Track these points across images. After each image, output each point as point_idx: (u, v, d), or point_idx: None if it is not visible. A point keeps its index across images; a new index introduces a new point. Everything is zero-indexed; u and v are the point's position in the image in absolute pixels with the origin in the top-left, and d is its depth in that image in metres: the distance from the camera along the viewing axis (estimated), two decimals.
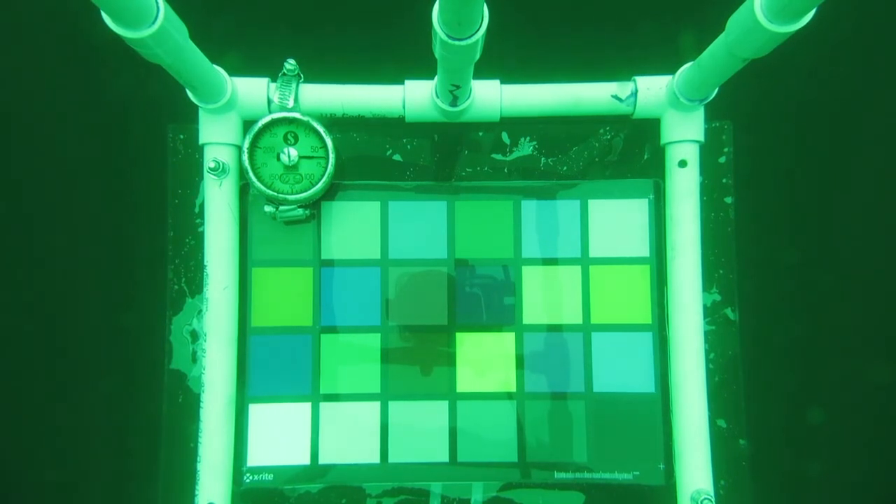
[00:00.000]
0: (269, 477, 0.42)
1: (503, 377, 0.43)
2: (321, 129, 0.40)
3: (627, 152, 0.44)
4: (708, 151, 0.43)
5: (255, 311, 0.43)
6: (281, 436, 0.42)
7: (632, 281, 0.43)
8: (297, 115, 0.40)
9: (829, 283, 0.44)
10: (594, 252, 0.43)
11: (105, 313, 0.44)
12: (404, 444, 0.42)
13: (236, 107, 0.40)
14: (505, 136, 0.44)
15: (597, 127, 0.44)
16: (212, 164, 0.39)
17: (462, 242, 0.43)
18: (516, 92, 0.41)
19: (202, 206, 0.42)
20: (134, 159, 0.44)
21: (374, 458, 0.42)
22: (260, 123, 0.39)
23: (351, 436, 0.42)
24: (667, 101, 0.40)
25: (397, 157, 0.44)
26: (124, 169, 0.44)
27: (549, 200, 0.44)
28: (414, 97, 0.40)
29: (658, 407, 0.43)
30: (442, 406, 0.43)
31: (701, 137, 0.41)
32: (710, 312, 0.43)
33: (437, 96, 0.39)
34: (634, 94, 0.40)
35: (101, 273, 0.44)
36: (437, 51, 0.29)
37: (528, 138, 0.44)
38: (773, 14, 0.27)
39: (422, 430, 0.42)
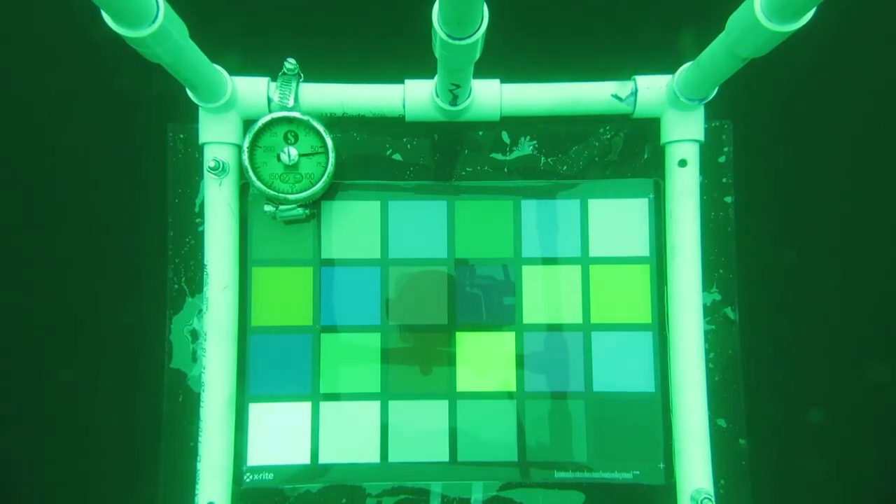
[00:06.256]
0: (269, 476, 0.42)
1: (503, 377, 0.43)
2: (321, 129, 0.40)
3: (627, 152, 0.44)
4: (708, 151, 0.43)
5: (255, 311, 0.43)
6: (281, 435, 0.42)
7: (632, 280, 0.43)
8: (297, 114, 0.40)
9: (829, 283, 0.44)
10: (594, 252, 0.43)
11: (105, 312, 0.44)
12: (404, 444, 0.42)
13: (236, 106, 0.40)
14: (505, 136, 0.44)
15: (597, 126, 0.44)
16: (212, 164, 0.39)
17: (462, 242, 0.43)
18: (516, 91, 0.41)
19: (202, 205, 0.42)
20: (134, 158, 0.44)
21: (374, 458, 0.42)
22: (260, 123, 0.39)
23: (351, 435, 0.42)
24: (667, 100, 0.40)
25: (397, 157, 0.44)
26: (124, 168, 0.44)
27: (549, 200, 0.44)
28: (414, 96, 0.40)
29: (658, 406, 0.43)
30: (442, 406, 0.43)
31: (701, 137, 0.41)
32: (710, 312, 0.43)
33: (437, 96, 0.39)
34: (634, 93, 0.40)
35: (100, 272, 0.44)
36: (437, 50, 0.29)
37: (528, 138, 0.44)
38: (773, 13, 0.27)
39: (422, 430, 0.42)
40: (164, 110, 0.43)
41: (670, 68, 0.39)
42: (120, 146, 0.44)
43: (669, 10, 0.44)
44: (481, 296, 0.43)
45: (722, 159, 0.44)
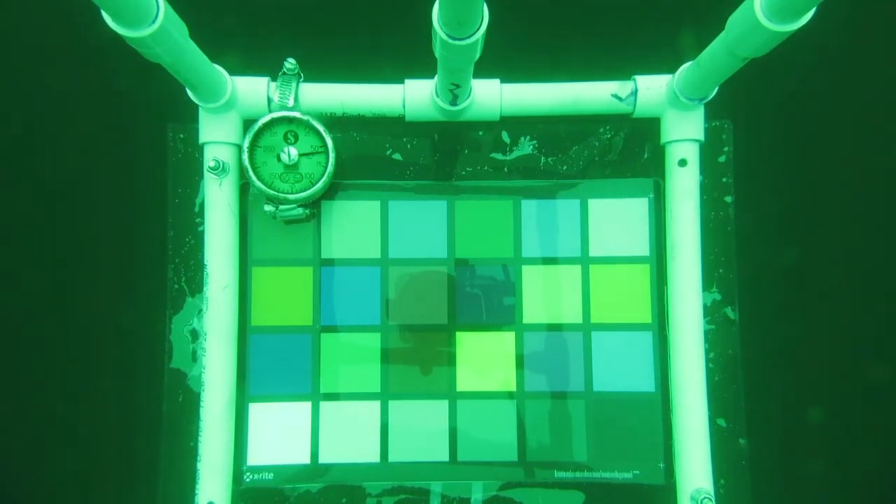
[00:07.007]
0: (269, 476, 0.42)
1: (503, 376, 0.43)
2: (321, 129, 0.40)
3: (627, 151, 0.44)
4: (708, 150, 0.43)
5: (255, 311, 0.43)
6: (281, 435, 0.42)
7: (632, 280, 0.43)
8: (297, 114, 0.40)
9: (829, 282, 0.44)
10: (594, 251, 0.43)
11: (105, 313, 0.44)
12: (404, 444, 0.42)
13: (236, 106, 0.40)
14: (505, 136, 0.44)
15: (597, 126, 0.44)
16: (212, 164, 0.39)
17: (462, 242, 0.43)
18: (516, 91, 0.41)
19: (202, 205, 0.42)
20: (134, 158, 0.44)
21: (374, 458, 0.42)
22: (260, 122, 0.39)
23: (351, 435, 0.42)
24: (667, 100, 0.40)
25: (397, 157, 0.44)
26: (124, 168, 0.44)
27: (549, 200, 0.44)
28: (414, 96, 0.40)
29: (658, 406, 0.43)
30: (442, 405, 0.43)
31: (701, 136, 0.41)
32: (710, 312, 0.43)
33: (438, 95, 0.39)
34: (634, 93, 0.40)
35: (100, 273, 0.44)
36: (437, 50, 0.29)
37: (528, 138, 0.44)
38: (773, 13, 0.27)
39: (422, 430, 0.42)
40: (164, 110, 0.43)
41: (670, 68, 0.39)
42: (120, 146, 0.44)
43: (669, 9, 0.44)
44: (481, 296, 0.43)
45: (722, 159, 0.44)
